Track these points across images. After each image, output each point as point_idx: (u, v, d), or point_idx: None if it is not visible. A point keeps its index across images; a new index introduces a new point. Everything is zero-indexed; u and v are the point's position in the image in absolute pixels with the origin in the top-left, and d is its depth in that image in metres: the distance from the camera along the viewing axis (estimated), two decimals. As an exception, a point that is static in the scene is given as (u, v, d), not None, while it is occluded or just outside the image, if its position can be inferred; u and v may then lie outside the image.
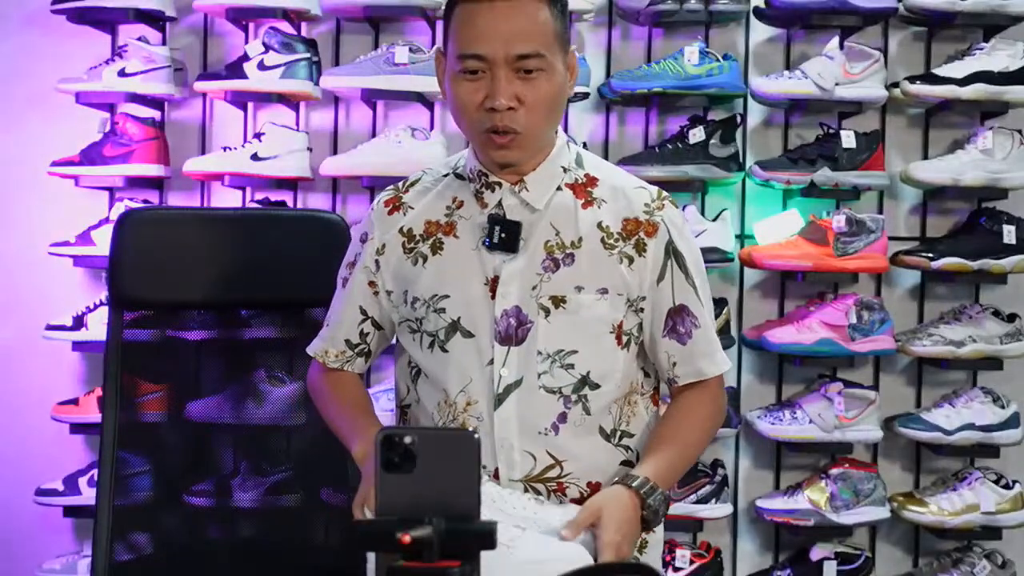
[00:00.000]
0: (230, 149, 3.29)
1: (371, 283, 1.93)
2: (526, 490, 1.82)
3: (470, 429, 1.25)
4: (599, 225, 1.84)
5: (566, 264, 1.82)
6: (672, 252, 1.86)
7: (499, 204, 1.85)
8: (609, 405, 1.86)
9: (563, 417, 1.82)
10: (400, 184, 1.98)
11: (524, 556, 1.62)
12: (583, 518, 1.70)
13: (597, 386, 1.83)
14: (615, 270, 1.83)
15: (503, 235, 1.82)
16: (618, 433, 1.88)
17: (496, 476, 1.82)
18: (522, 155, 1.82)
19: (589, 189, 1.87)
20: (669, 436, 1.87)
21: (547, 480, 1.83)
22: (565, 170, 1.88)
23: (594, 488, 1.84)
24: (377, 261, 1.92)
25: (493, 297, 1.82)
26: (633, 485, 1.74)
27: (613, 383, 1.84)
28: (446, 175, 1.93)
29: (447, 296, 1.84)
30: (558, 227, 1.84)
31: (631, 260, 1.84)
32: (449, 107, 1.86)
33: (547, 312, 1.81)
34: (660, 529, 1.93)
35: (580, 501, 1.81)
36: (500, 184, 1.85)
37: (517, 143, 1.79)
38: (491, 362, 1.81)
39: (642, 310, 1.86)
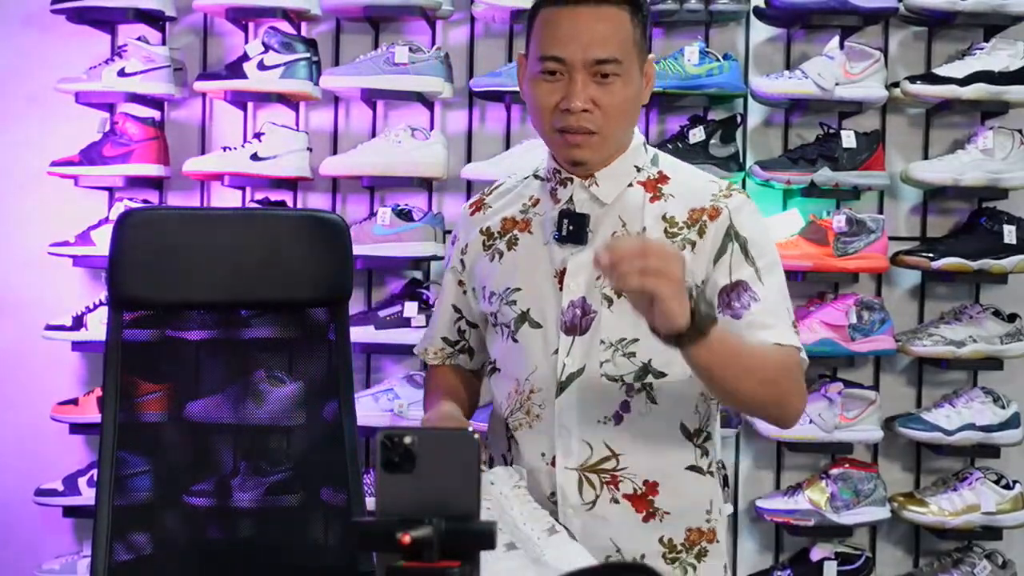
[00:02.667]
0: (230, 149, 3.29)
1: (460, 283, 2.02)
2: (581, 481, 1.85)
3: (470, 430, 1.25)
4: (664, 216, 1.87)
5: None
6: (733, 235, 1.85)
7: (570, 199, 1.90)
8: (688, 399, 1.85)
9: (626, 406, 1.84)
10: (487, 188, 2.07)
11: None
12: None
13: (662, 374, 1.84)
14: None
15: (571, 228, 1.87)
16: (703, 434, 1.89)
17: (553, 463, 1.86)
18: (594, 155, 1.86)
19: (659, 185, 1.91)
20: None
21: (601, 471, 1.85)
22: (639, 169, 1.91)
23: (650, 487, 1.85)
24: (462, 260, 2.01)
25: (561, 288, 1.86)
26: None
27: (681, 371, 1.81)
28: (527, 177, 2.00)
29: (518, 289, 1.90)
30: (625, 220, 1.88)
31: (693, 245, 1.85)
32: (528, 109, 1.92)
33: (610, 302, 1.84)
34: (725, 540, 1.93)
35: (634, 498, 1.84)
36: (572, 180, 1.89)
37: (590, 143, 1.84)
38: (556, 351, 1.86)
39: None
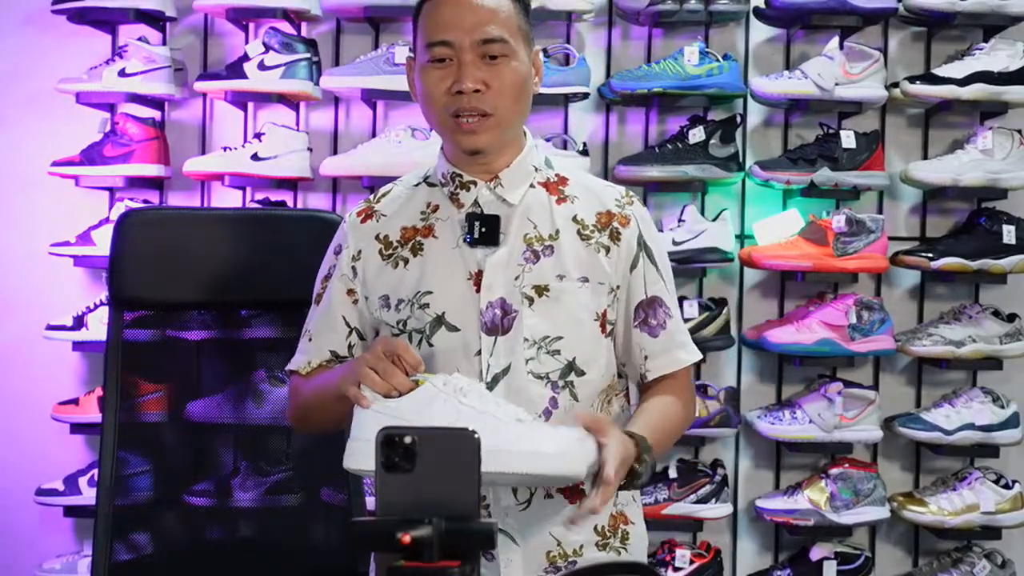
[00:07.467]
0: (230, 149, 3.29)
1: (349, 291, 1.93)
2: (515, 490, 1.84)
3: (470, 429, 1.25)
4: (574, 218, 1.89)
5: (546, 255, 1.87)
6: (642, 245, 1.91)
7: (475, 202, 1.89)
8: (593, 396, 1.89)
9: (554, 402, 1.85)
10: (370, 196, 2.01)
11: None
12: (593, 421, 1.69)
13: (583, 372, 1.86)
14: (594, 259, 1.88)
15: (483, 230, 1.86)
16: None
17: None
18: (490, 140, 1.84)
19: (561, 187, 1.92)
20: (651, 412, 1.89)
21: None
22: (536, 169, 1.93)
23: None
24: (354, 268, 1.93)
25: (478, 291, 1.85)
26: (635, 436, 1.75)
27: (598, 371, 1.88)
28: (417, 184, 1.96)
29: (430, 292, 1.87)
30: (535, 221, 1.89)
31: (608, 249, 1.89)
32: (419, 101, 1.89)
33: (531, 301, 1.85)
34: (641, 522, 1.96)
35: (566, 490, 1.85)
36: (475, 183, 1.89)
37: (485, 126, 1.82)
38: (479, 353, 1.84)
39: (619, 299, 1.91)
